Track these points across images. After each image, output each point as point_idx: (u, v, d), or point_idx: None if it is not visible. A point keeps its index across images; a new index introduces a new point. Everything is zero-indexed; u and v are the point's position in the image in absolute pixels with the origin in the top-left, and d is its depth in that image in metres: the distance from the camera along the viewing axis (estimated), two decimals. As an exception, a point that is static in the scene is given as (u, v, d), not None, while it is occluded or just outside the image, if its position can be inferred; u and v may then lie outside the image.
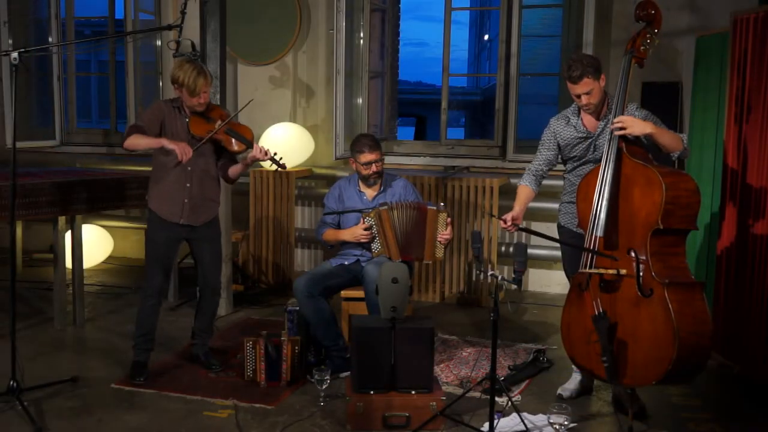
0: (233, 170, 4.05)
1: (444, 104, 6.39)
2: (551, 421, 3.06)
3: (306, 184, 6.39)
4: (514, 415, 3.38)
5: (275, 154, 3.94)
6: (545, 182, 3.87)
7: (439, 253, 4.15)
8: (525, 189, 3.72)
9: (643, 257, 3.21)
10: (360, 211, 4.13)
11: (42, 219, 5.22)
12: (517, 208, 3.62)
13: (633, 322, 3.22)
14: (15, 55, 3.44)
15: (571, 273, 3.64)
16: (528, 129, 7.32)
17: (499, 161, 6.05)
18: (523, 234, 5.21)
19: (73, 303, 4.96)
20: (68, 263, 4.93)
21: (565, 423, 3.04)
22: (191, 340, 4.27)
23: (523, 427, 3.32)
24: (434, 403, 3.42)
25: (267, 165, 4.05)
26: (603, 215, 3.32)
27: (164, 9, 6.54)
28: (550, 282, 5.96)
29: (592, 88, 3.43)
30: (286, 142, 5.93)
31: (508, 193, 5.80)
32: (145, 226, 4.04)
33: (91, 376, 4.02)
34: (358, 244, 4.14)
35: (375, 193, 4.26)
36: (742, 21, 4.06)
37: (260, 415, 3.56)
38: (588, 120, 3.59)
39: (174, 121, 3.88)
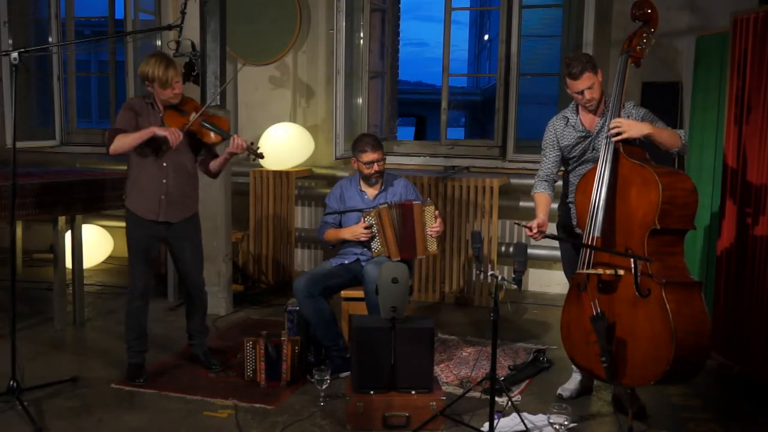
0: (214, 164, 4.01)
1: (444, 104, 6.39)
2: (551, 421, 3.06)
3: (306, 184, 6.39)
4: (514, 415, 3.38)
5: (252, 143, 3.92)
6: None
7: (432, 246, 4.15)
8: (542, 196, 3.68)
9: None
10: (361, 210, 4.14)
11: (42, 219, 5.22)
12: (541, 215, 3.58)
13: (631, 322, 3.22)
14: (15, 55, 3.44)
15: (570, 274, 3.64)
16: (528, 129, 7.33)
17: (499, 161, 6.06)
18: (523, 234, 5.20)
19: (73, 303, 4.97)
20: (68, 263, 4.93)
21: (565, 423, 3.04)
22: (189, 342, 4.25)
23: (523, 427, 3.32)
24: (434, 403, 3.42)
25: (245, 156, 3.98)
26: (600, 215, 3.32)
27: (164, 9, 6.54)
28: (550, 282, 5.96)
29: (593, 83, 3.45)
30: (286, 142, 5.94)
31: (508, 193, 5.81)
32: None
33: (91, 376, 4.02)
34: (359, 243, 4.15)
35: (376, 193, 4.27)
36: (742, 21, 4.06)
37: (260, 415, 3.56)
38: (586, 118, 3.60)
39: (148, 117, 3.81)
